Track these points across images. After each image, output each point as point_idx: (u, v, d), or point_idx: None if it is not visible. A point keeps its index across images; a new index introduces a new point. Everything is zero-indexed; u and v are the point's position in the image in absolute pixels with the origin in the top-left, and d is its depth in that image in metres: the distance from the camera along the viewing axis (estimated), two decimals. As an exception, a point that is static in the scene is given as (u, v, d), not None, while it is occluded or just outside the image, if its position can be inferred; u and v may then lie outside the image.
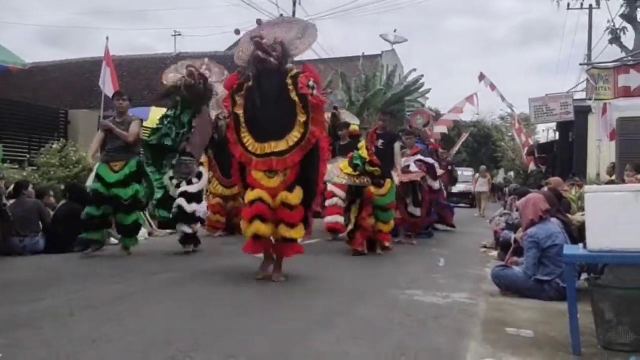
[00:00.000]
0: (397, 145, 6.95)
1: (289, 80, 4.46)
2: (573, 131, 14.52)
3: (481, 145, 37.18)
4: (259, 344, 2.81)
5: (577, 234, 4.46)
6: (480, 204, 16.67)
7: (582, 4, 20.54)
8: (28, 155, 8.95)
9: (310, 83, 4.37)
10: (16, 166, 8.22)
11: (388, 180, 6.44)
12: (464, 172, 22.52)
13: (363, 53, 26.79)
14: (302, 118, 4.39)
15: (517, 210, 5.69)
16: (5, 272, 3.88)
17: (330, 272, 5.13)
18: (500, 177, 38.86)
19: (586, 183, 8.93)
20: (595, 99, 12.91)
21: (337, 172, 6.34)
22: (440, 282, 4.78)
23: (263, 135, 4.43)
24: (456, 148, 17.42)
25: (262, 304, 3.77)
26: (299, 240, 4.55)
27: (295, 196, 4.38)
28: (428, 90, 26.79)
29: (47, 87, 17.19)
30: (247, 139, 4.46)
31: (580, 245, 3.42)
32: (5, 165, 7.32)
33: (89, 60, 17.50)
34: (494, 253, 6.60)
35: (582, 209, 4.94)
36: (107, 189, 5.62)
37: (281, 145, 4.37)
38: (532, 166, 22.96)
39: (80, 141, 9.38)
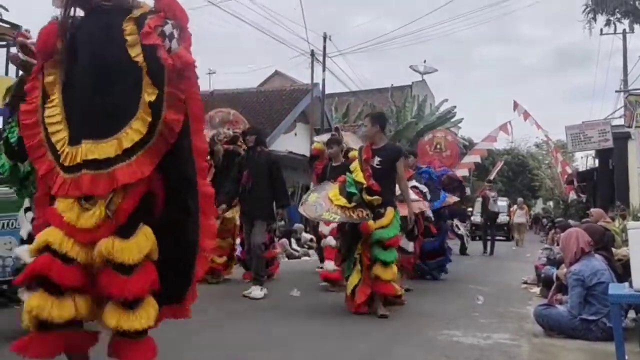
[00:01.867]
0: (400, 163, 5.03)
1: (127, 26, 2.35)
2: (613, 159, 14.14)
3: (517, 174, 36.48)
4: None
5: (621, 270, 4.30)
6: (518, 235, 16.28)
7: (615, 29, 20.23)
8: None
9: (167, 27, 2.29)
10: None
11: (390, 208, 4.83)
12: (499, 202, 21.82)
13: (392, 85, 26.98)
14: (149, 96, 2.30)
15: (558, 245, 5.53)
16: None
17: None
18: (538, 207, 37.85)
19: (629, 213, 8.62)
20: (636, 127, 12.59)
21: (326, 204, 4.85)
22: (480, 322, 4.66)
23: (77, 130, 2.35)
24: (491, 177, 17.16)
25: (298, 347, 3.74)
26: (147, 333, 2.36)
27: (133, 246, 2.27)
28: (460, 120, 26.70)
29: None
30: (61, 136, 2.36)
31: (626, 284, 3.31)
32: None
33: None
34: (536, 290, 6.40)
35: (626, 242, 4.77)
36: None
37: (106, 149, 2.30)
38: (572, 195, 22.41)
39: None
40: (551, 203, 34.56)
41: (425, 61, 29.49)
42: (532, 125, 14.85)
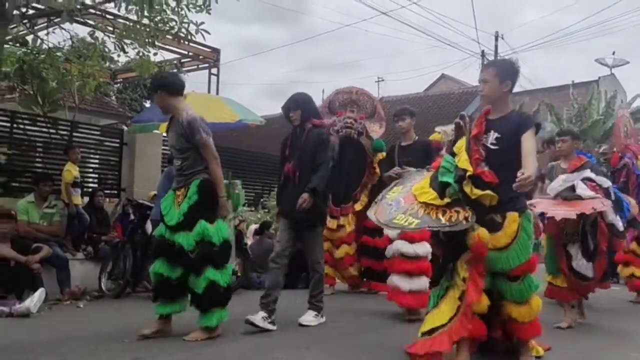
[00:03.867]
0: (530, 136, 3.09)
1: None
2: None
3: None
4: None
5: None
6: None
7: None
8: (262, 199, 10.25)
9: None
10: (252, 209, 9.50)
11: (513, 215, 3.07)
12: None
13: (573, 81, 24.75)
14: None
15: None
16: (242, 305, 4.37)
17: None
18: None
19: None
20: None
21: (406, 202, 3.24)
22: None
23: None
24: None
25: None
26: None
27: None
28: (659, 117, 23.34)
29: (271, 136, 19.64)
30: None
31: None
32: (245, 208, 8.52)
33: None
34: None
35: None
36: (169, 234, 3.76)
37: None
38: None
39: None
40: None
41: (614, 53, 26.40)
42: None
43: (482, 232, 2.99)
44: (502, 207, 3.05)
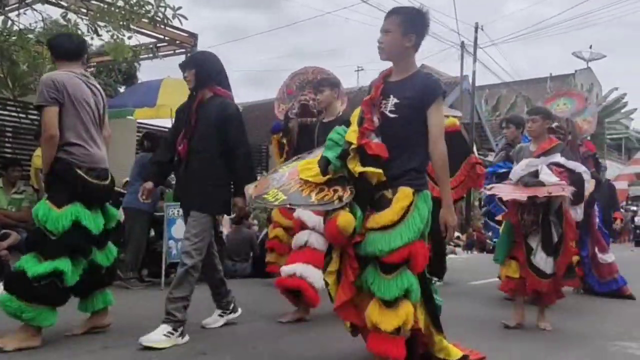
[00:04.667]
0: (436, 110, 2.63)
1: None
2: None
3: None
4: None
5: None
6: None
7: None
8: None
9: None
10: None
11: (404, 190, 2.56)
12: None
13: (551, 74, 25.16)
14: None
15: None
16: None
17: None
18: None
19: None
20: None
21: (288, 178, 2.89)
22: (659, 336, 4.19)
23: None
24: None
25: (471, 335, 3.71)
26: None
27: None
28: (633, 111, 23.93)
29: (251, 124, 19.54)
30: None
31: None
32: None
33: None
34: None
35: None
36: None
37: None
38: None
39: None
40: None
41: (591, 47, 26.90)
42: None
43: (342, 215, 2.53)
44: (394, 182, 2.57)
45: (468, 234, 13.91)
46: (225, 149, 3.43)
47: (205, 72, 3.44)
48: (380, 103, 2.69)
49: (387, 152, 2.59)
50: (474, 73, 17.93)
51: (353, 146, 2.62)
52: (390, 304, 2.46)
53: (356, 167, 2.60)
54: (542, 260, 3.96)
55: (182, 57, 13.08)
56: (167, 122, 6.52)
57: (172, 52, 12.92)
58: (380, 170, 2.56)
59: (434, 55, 66.71)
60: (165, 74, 5.63)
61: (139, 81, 14.64)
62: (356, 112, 2.77)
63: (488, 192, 4.03)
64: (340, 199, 2.57)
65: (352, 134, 2.67)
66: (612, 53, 72.39)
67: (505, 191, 4.07)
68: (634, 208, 17.09)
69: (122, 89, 15.49)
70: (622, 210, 11.04)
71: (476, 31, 18.02)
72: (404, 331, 2.51)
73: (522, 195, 3.87)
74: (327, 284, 2.74)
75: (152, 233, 6.14)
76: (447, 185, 2.69)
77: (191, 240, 3.35)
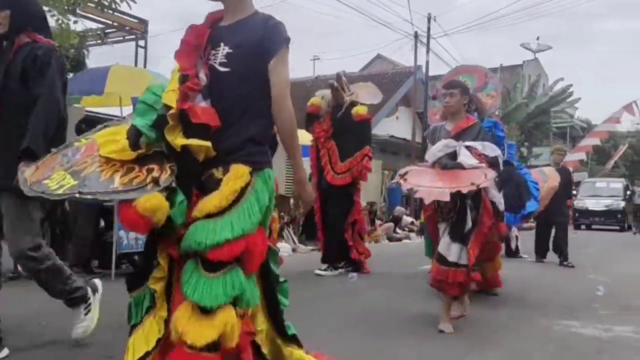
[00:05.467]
0: (280, 63, 1.98)
1: None
2: None
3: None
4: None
5: None
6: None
7: None
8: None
9: None
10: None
11: (237, 168, 1.92)
12: (611, 185, 19.30)
13: (501, 64, 25.84)
14: None
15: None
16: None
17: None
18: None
19: None
20: None
21: (86, 153, 2.13)
22: (600, 314, 4.42)
23: None
24: (612, 161, 15.91)
25: (399, 332, 3.81)
26: None
27: None
28: (577, 100, 24.94)
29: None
30: None
31: None
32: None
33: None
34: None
35: None
36: None
37: None
38: None
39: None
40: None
41: (538, 38, 27.80)
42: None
43: (149, 198, 1.82)
44: (227, 158, 1.94)
45: (422, 220, 14.22)
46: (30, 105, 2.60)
47: (23, 16, 2.72)
48: (208, 54, 2.02)
49: (218, 118, 1.94)
50: (427, 63, 18.22)
51: (173, 111, 1.94)
52: (207, 310, 1.79)
53: (177, 139, 1.93)
54: (445, 244, 3.51)
55: (132, 44, 12.76)
56: (116, 110, 6.30)
57: (121, 38, 12.56)
58: (208, 143, 1.91)
59: (388, 45, 67.20)
60: (115, 61, 5.44)
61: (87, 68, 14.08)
62: (176, 67, 2.05)
63: (406, 187, 3.50)
64: (155, 181, 1.87)
65: (170, 95, 1.97)
66: (557, 44, 75.18)
67: (424, 184, 3.50)
68: (574, 192, 17.95)
69: (69, 76, 14.88)
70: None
71: (429, 22, 18.30)
72: (225, 347, 1.82)
73: (445, 192, 3.33)
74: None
75: (102, 223, 5.96)
76: (298, 156, 2.05)
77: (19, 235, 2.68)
